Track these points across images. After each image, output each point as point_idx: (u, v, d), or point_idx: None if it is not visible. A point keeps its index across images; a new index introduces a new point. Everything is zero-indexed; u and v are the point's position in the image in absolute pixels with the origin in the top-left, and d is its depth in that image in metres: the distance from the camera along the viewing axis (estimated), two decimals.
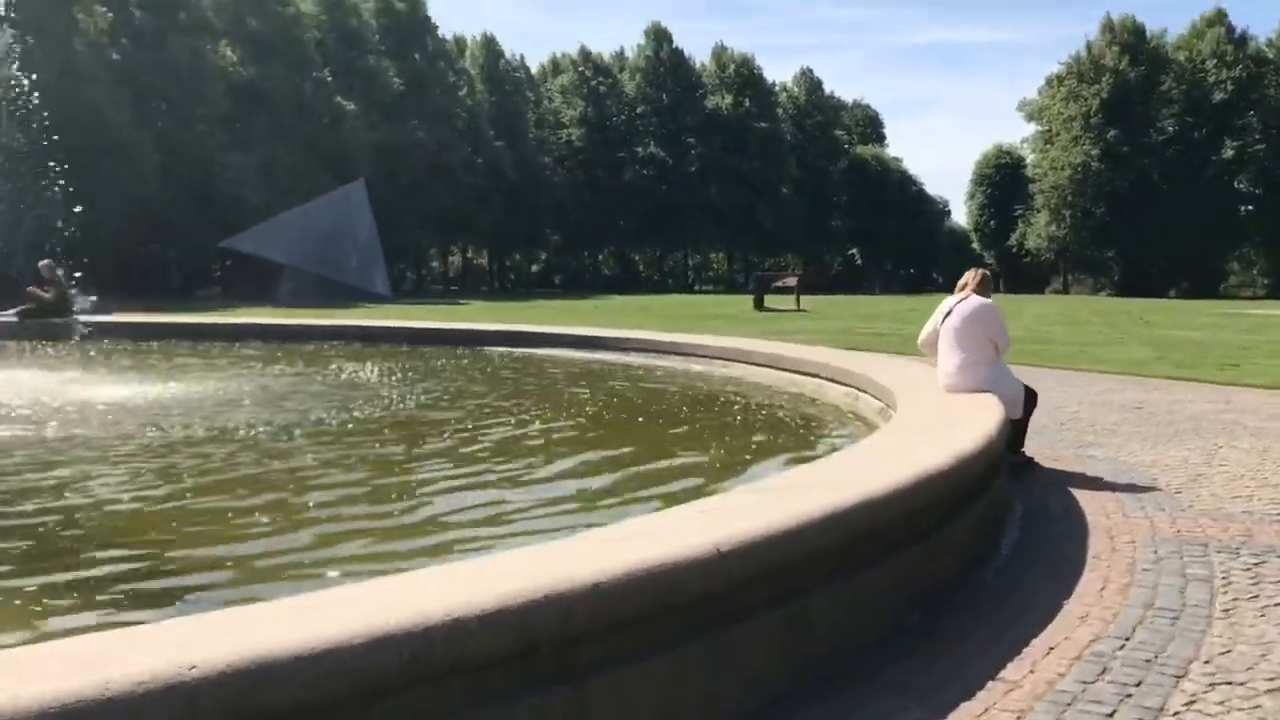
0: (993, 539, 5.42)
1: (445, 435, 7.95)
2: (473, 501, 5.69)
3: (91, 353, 13.75)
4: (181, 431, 7.85)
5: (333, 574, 4.30)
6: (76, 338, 14.97)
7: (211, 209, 52.06)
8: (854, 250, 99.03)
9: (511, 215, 76.87)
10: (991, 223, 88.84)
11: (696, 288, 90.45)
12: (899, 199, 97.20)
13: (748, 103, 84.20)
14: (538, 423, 8.61)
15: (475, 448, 7.50)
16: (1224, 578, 4.76)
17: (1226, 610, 4.32)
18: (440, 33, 79.25)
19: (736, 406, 10.12)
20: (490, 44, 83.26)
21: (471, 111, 75.11)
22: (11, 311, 17.97)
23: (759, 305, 38.73)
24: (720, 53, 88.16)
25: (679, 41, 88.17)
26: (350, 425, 8.31)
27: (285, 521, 5.24)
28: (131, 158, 45.98)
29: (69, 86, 43.99)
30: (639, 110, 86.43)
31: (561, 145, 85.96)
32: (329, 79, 60.47)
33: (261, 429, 7.93)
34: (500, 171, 74.49)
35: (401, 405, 9.67)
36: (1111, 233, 74.92)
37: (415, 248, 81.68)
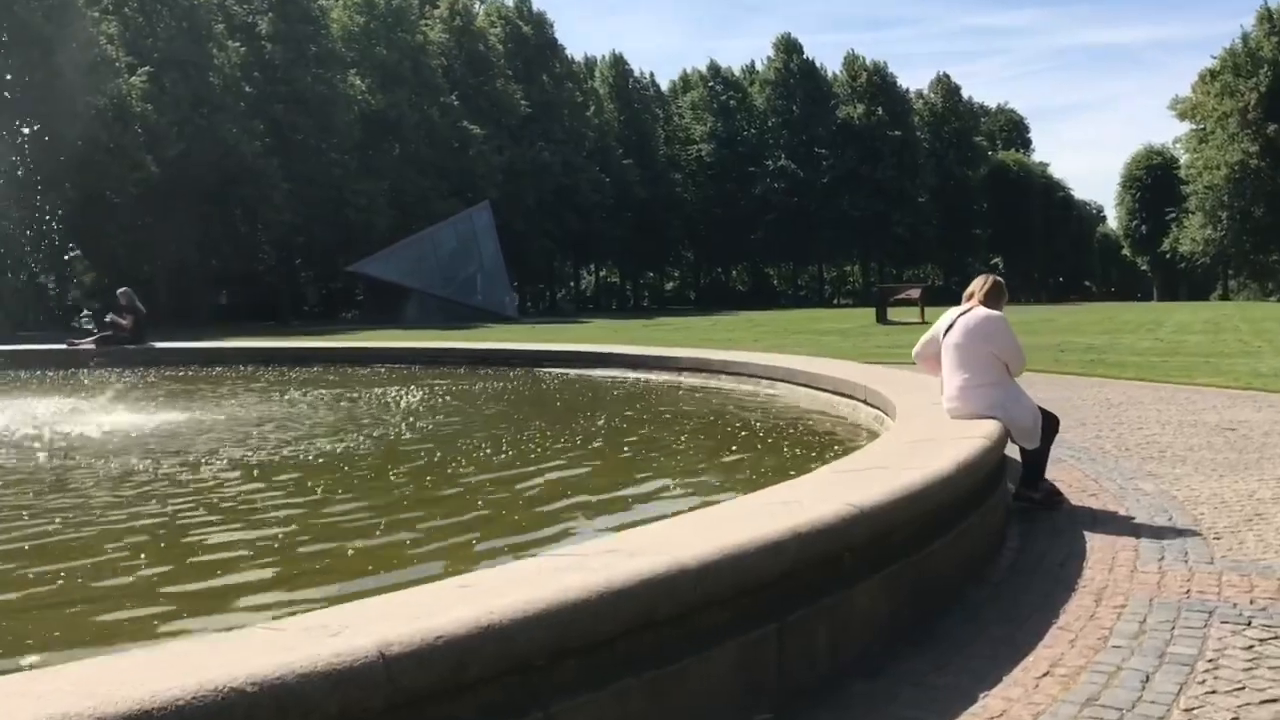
0: (938, 603, 4.45)
1: (397, 473, 7.33)
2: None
3: (138, 379, 13.73)
4: (97, 464, 7.47)
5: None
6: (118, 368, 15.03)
7: (343, 234, 53.37)
8: (997, 259, 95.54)
9: (641, 233, 76.81)
10: (1142, 227, 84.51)
11: (836, 301, 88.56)
12: (1044, 205, 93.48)
13: (880, 111, 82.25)
14: (508, 450, 7.94)
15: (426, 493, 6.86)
16: (1211, 661, 3.74)
17: (1189, 711, 3.31)
18: (569, 53, 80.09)
19: (742, 430, 9.24)
20: (619, 63, 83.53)
21: (599, 131, 75.36)
22: (89, 339, 18.33)
23: (881, 318, 37.48)
24: (852, 62, 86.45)
25: (811, 54, 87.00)
26: (285, 459, 7.76)
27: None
28: (262, 186, 47.42)
29: (203, 119, 45.71)
30: (769, 123, 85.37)
31: (691, 161, 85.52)
32: (456, 104, 61.43)
33: (174, 463, 7.48)
34: (628, 190, 74.48)
35: (383, 435, 9.13)
36: (1275, 234, 70.09)
37: (548, 268, 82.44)
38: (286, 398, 12.09)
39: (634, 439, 8.80)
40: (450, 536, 5.28)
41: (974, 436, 5.44)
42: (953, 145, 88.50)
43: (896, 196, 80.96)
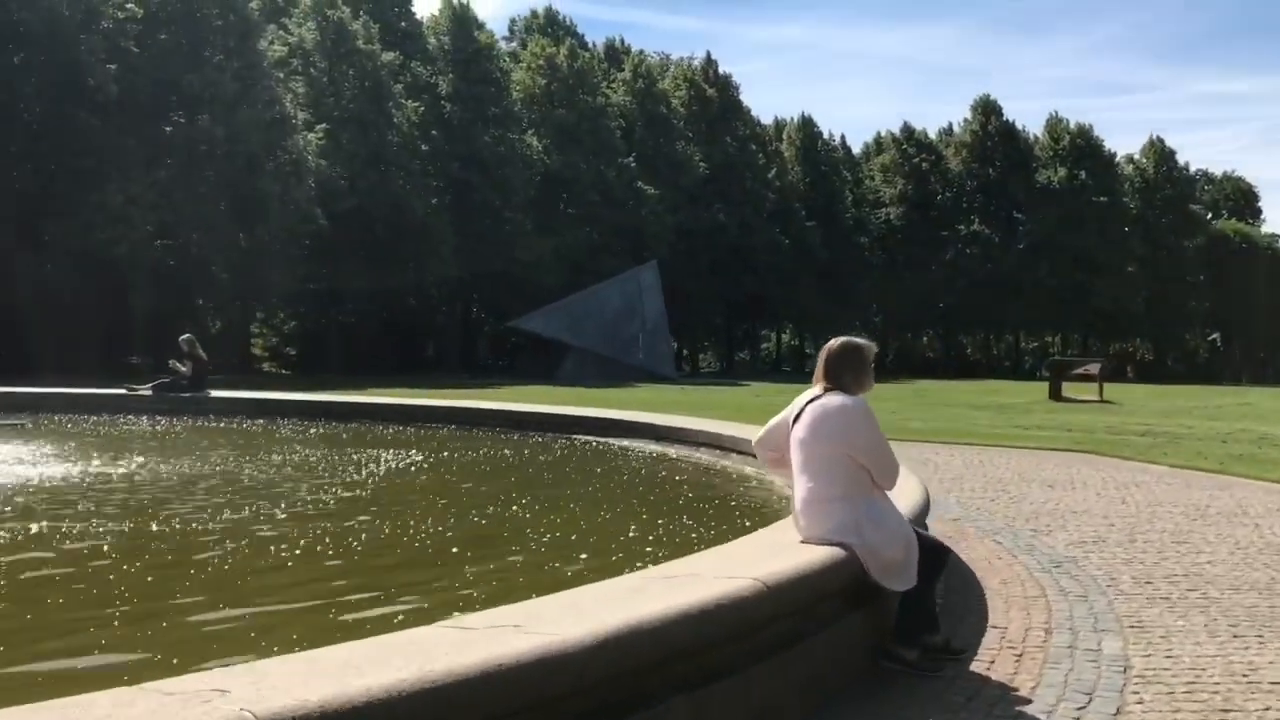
0: None
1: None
2: None
3: (155, 428, 13.30)
4: None
5: None
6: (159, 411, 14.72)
7: (511, 289, 53.86)
8: (1214, 334, 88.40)
9: (823, 296, 74.76)
10: None
11: (1039, 373, 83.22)
12: (1270, 278, 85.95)
13: (1084, 175, 77.68)
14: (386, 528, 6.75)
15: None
16: None
17: None
18: (755, 115, 79.34)
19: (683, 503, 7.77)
20: (807, 125, 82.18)
21: (781, 192, 74.08)
22: (147, 386, 18.28)
23: (1055, 394, 34.58)
24: (1055, 124, 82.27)
25: (1011, 117, 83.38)
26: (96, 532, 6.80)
27: None
28: (432, 241, 48.35)
29: (378, 174, 47.09)
30: (965, 186, 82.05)
31: (880, 225, 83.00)
32: (632, 164, 61.45)
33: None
34: (809, 252, 72.74)
35: (309, 502, 8.10)
36: None
37: (725, 329, 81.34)
38: (270, 455, 11.33)
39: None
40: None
41: (752, 576, 3.93)
42: (1165, 213, 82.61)
43: (1099, 265, 76.01)
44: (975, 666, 4.76)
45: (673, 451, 12.15)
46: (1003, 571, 6.86)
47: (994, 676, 4.61)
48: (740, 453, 10.76)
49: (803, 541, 4.59)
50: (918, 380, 59.57)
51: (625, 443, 12.87)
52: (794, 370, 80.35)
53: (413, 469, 10.69)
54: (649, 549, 6.58)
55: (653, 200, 61.21)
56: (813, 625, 4.15)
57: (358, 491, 9.05)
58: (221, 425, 15.10)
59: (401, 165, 48.65)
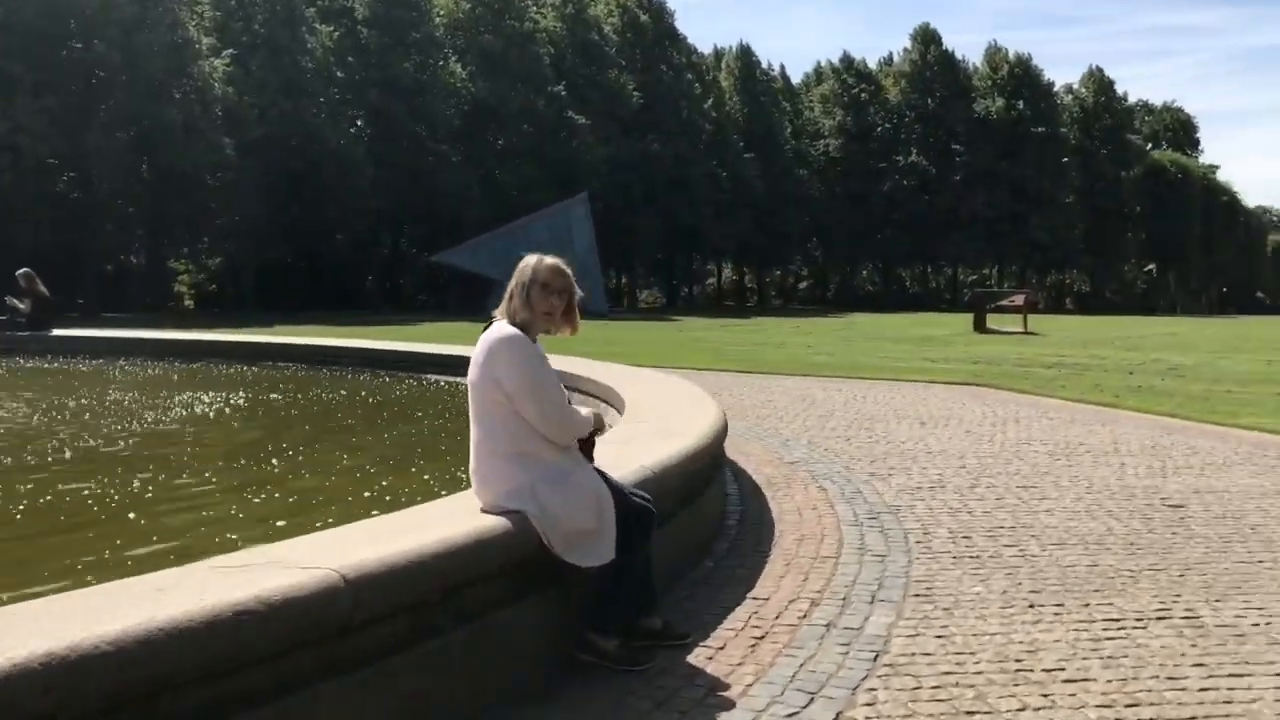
0: None
1: None
2: None
3: None
4: None
5: None
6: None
7: (434, 223, 52.33)
8: (1150, 265, 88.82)
9: (761, 229, 73.78)
10: None
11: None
12: (1205, 209, 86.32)
13: (1022, 105, 77.00)
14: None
15: None
16: None
17: None
18: (694, 43, 77.65)
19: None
20: (745, 54, 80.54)
21: (719, 123, 72.66)
22: None
23: (979, 326, 34.11)
24: (994, 53, 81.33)
25: (951, 46, 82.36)
26: None
27: None
28: (347, 172, 46.63)
29: (290, 103, 45.17)
30: (903, 118, 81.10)
31: (819, 156, 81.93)
32: (563, 93, 59.72)
33: None
34: (747, 184, 71.57)
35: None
36: None
37: (667, 263, 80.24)
38: (71, 399, 10.26)
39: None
40: None
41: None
42: (1103, 144, 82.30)
43: (1036, 196, 75.67)
44: (699, 654, 3.91)
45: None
46: (809, 526, 6.03)
47: (711, 669, 3.76)
48: (584, 392, 9.86)
49: (482, 510, 3.68)
50: (853, 314, 59.15)
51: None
52: (736, 305, 79.67)
53: (212, 415, 9.68)
54: (371, 509, 5.65)
55: (585, 131, 59.62)
56: (450, 620, 3.25)
57: (120, 444, 8.03)
58: (52, 365, 13.92)
59: (316, 93, 46.73)
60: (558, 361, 12.24)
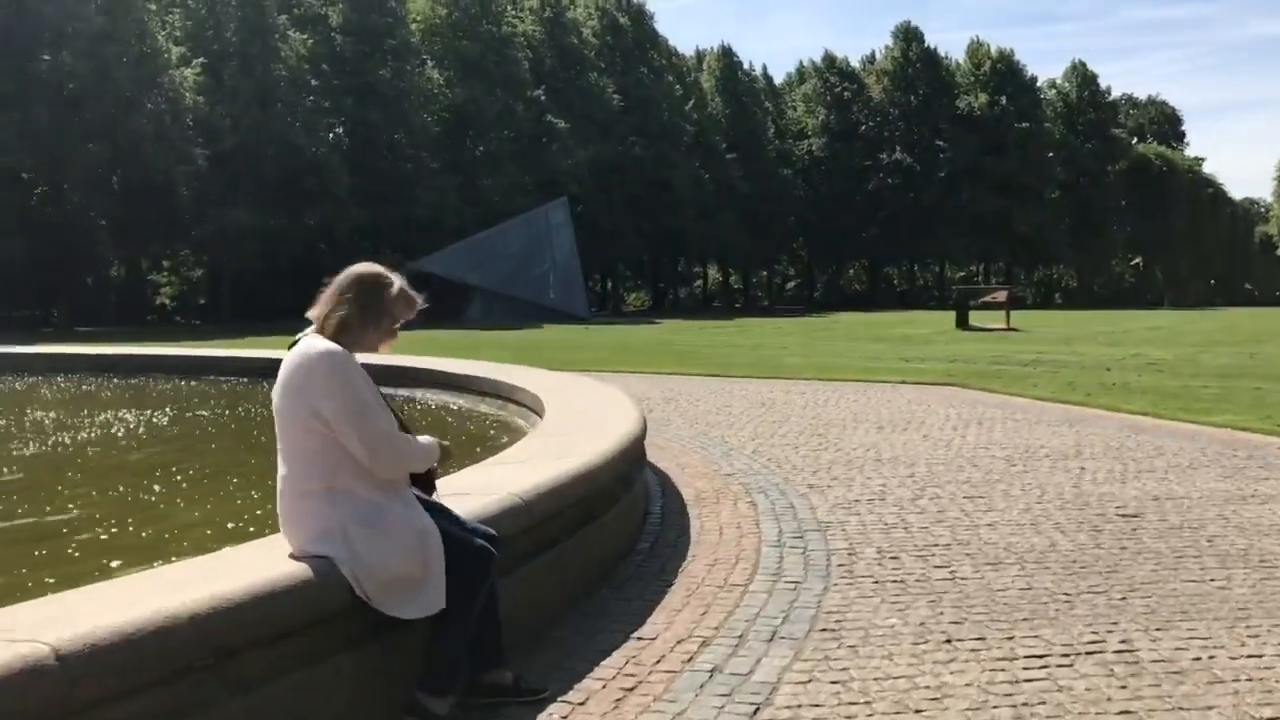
0: None
1: None
2: None
3: None
4: None
5: None
6: None
7: (414, 230, 51.79)
8: (1137, 259, 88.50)
9: (746, 231, 73.33)
10: None
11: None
12: (1191, 202, 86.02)
13: (1005, 100, 76.68)
14: None
15: None
16: None
17: None
18: (674, 45, 77.28)
19: None
20: (727, 54, 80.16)
21: (701, 125, 72.24)
22: None
23: (962, 324, 33.74)
24: (976, 49, 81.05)
25: (933, 43, 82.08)
26: None
27: None
28: (324, 181, 46.08)
29: (262, 112, 44.63)
30: (887, 115, 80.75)
31: (802, 156, 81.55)
32: (542, 98, 59.23)
33: None
34: (730, 185, 71.17)
35: None
36: None
37: (652, 266, 79.82)
38: None
39: None
40: None
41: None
42: (1088, 139, 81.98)
43: (1021, 191, 75.31)
44: (553, 712, 3.41)
45: (459, 403, 10.74)
46: (726, 548, 5.54)
47: None
48: (518, 403, 9.36)
49: (290, 556, 3.18)
50: (839, 313, 58.73)
51: (416, 393, 11.44)
52: (724, 307, 79.19)
53: (122, 434, 9.16)
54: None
55: (565, 135, 59.11)
56: (225, 690, 2.75)
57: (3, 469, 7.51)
58: None
59: (291, 102, 46.17)
60: (473, 368, 11.75)
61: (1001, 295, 36.92)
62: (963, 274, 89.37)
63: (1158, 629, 4.20)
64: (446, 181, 52.22)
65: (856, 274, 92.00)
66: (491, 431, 9.15)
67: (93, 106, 39.10)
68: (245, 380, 13.32)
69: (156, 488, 6.82)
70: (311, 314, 3.36)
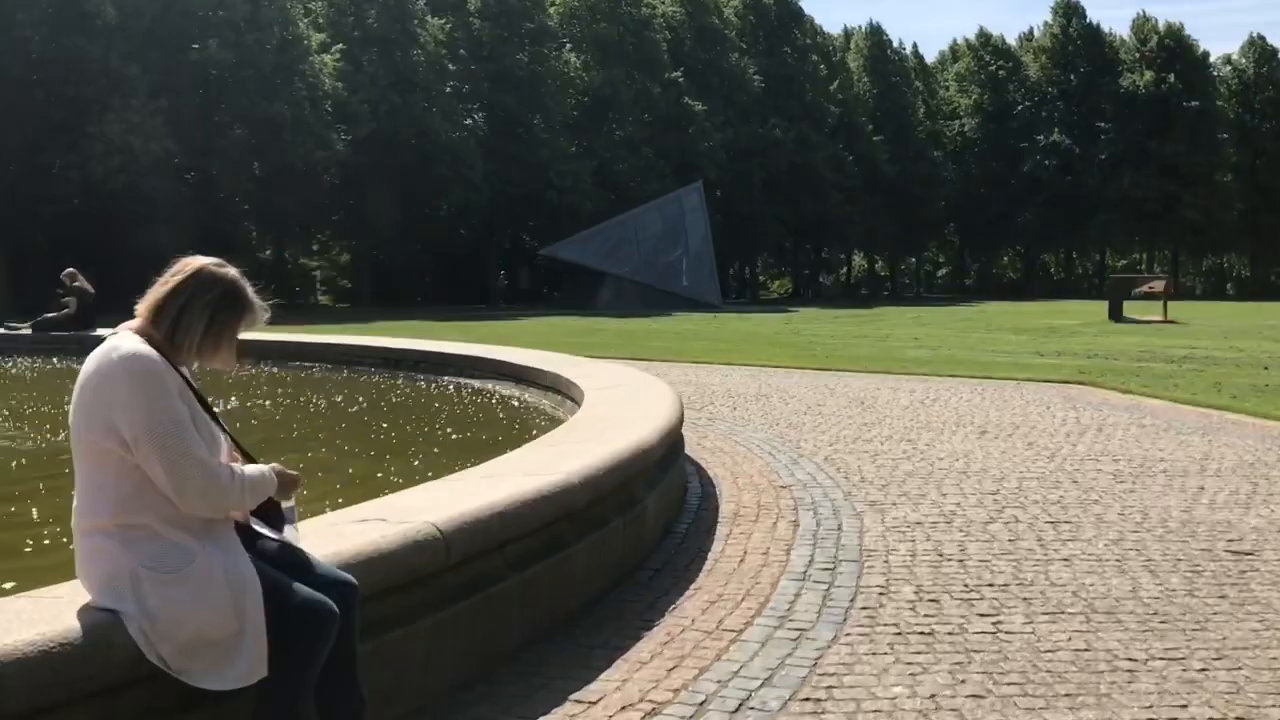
0: None
1: None
2: None
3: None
4: None
5: None
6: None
7: (547, 215, 51.84)
8: None
9: (893, 215, 71.19)
10: None
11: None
12: None
13: (1173, 78, 72.23)
14: None
15: None
16: None
17: None
18: (819, 24, 75.51)
19: None
20: (876, 32, 77.83)
21: (846, 106, 70.32)
22: (28, 324, 16.77)
23: (1115, 315, 31.80)
24: (1141, 24, 76.58)
25: (1096, 18, 78.03)
26: None
27: None
28: (459, 166, 46.41)
29: (400, 98, 45.21)
30: (1045, 94, 77.13)
31: (954, 138, 78.67)
32: (680, 80, 58.48)
33: None
34: (877, 169, 69.08)
35: None
36: None
37: (793, 252, 78.43)
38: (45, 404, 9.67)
39: None
40: None
41: None
42: (1266, 118, 76.62)
43: (1189, 175, 70.89)
44: None
45: (523, 396, 10.19)
46: (739, 580, 4.78)
47: None
48: (571, 398, 8.74)
49: (84, 607, 2.59)
50: (988, 303, 56.32)
51: (488, 385, 10.95)
52: (871, 295, 77.16)
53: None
54: None
55: (702, 117, 58.23)
56: None
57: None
58: (67, 365, 13.53)
59: (428, 87, 46.61)
60: (526, 357, 11.17)
61: (1159, 285, 34.56)
62: (1124, 263, 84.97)
63: (1239, 718, 3.28)
64: (582, 165, 52.04)
65: (1011, 261, 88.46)
66: (516, 428, 8.58)
67: (235, 93, 40.14)
68: (328, 365, 13.15)
69: None
70: (139, 306, 2.75)
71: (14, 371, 13.67)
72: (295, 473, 2.86)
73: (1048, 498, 6.52)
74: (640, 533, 5.01)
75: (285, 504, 2.93)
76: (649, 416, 5.87)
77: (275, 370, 13.28)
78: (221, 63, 38.85)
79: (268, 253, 53.00)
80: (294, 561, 2.77)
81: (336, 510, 3.82)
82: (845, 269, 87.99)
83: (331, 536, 3.24)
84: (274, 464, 2.81)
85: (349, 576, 2.85)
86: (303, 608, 2.63)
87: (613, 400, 6.86)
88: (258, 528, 2.80)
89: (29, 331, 16.28)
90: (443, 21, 49.14)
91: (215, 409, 2.85)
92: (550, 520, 4.05)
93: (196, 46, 39.74)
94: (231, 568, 2.57)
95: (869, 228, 71.07)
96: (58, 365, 13.63)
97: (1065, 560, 5.08)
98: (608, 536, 4.53)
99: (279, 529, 2.87)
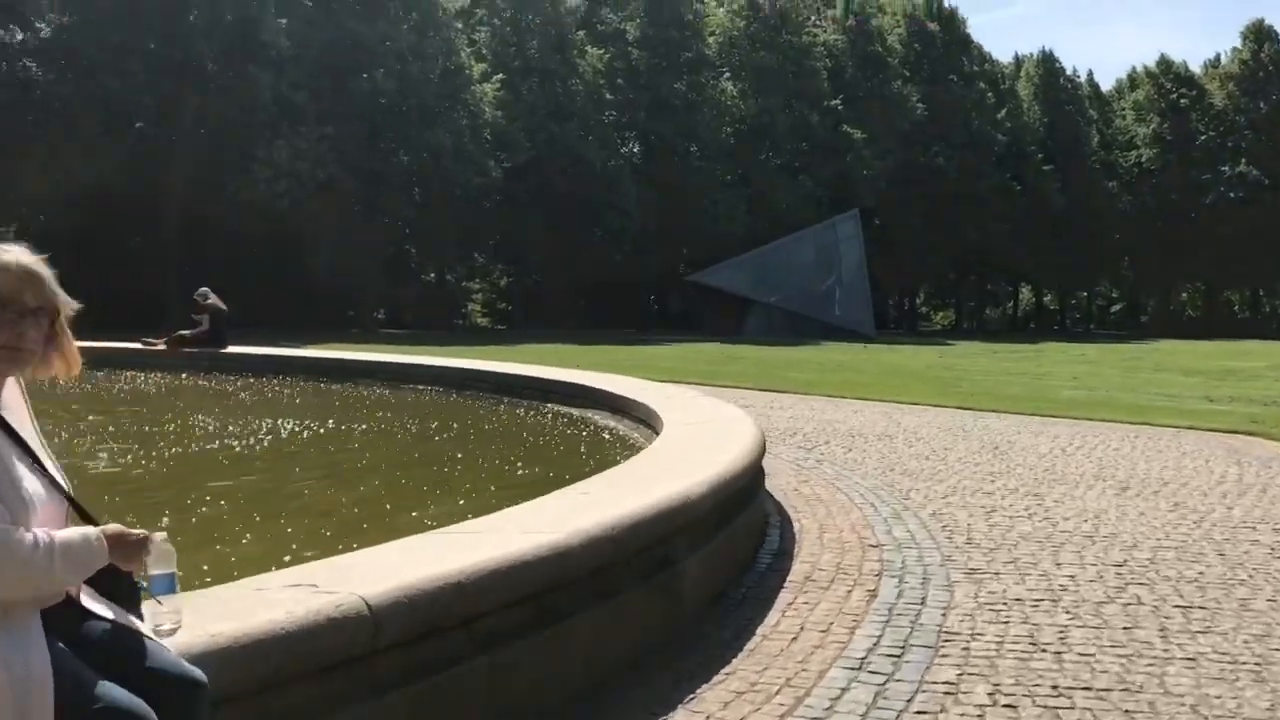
0: None
1: None
2: None
3: (138, 385, 11.93)
4: None
5: None
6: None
7: (700, 242, 51.52)
8: None
9: (1062, 247, 68.24)
10: None
11: None
12: None
13: None
14: None
15: None
16: None
17: None
18: (988, 51, 73.25)
19: None
20: (1047, 60, 75.00)
21: (1015, 134, 67.86)
22: (162, 340, 17.09)
23: None
24: None
25: None
26: None
27: None
28: (612, 194, 46.57)
29: (557, 126, 45.69)
30: (1232, 123, 72.75)
31: (1130, 168, 74.95)
32: (839, 107, 57.42)
33: None
34: (1045, 199, 66.37)
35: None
36: None
37: (955, 285, 76.06)
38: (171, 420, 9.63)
39: None
40: None
41: None
42: None
43: None
44: None
45: (616, 428, 9.66)
46: (779, 668, 4.08)
47: None
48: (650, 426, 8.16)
49: None
50: (1163, 340, 53.17)
51: (587, 414, 10.47)
52: (1040, 329, 73.98)
53: (237, 448, 8.67)
54: None
55: (860, 144, 56.98)
56: None
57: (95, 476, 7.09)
58: (195, 383, 13.69)
59: (585, 116, 46.97)
60: (655, 399, 10.58)
61: None
62: None
63: None
64: (736, 193, 51.57)
65: (1191, 298, 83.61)
66: (590, 465, 8.02)
67: (399, 121, 41.18)
68: (439, 388, 12.95)
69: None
70: None
71: (141, 386, 13.92)
72: (140, 533, 2.32)
73: (1184, 574, 5.57)
74: (673, 601, 4.35)
75: (156, 572, 2.42)
76: (709, 463, 5.21)
77: (385, 392, 13.14)
78: (387, 91, 39.92)
79: (430, 276, 54.29)
80: (126, 650, 2.24)
81: (274, 572, 3.30)
82: (1012, 302, 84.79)
83: (236, 609, 2.72)
84: (109, 525, 2.29)
85: (196, 672, 2.30)
86: (101, 714, 2.09)
87: (686, 439, 6.22)
88: (90, 605, 2.29)
89: (163, 347, 16.67)
90: (601, 52, 49.51)
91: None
92: (537, 590, 3.45)
93: (365, 76, 40.95)
94: (17, 660, 2.06)
95: (1038, 260, 68.25)
96: (184, 381, 13.82)
97: (1189, 660, 4.19)
98: (621, 607, 3.90)
99: (131, 605, 2.35)
